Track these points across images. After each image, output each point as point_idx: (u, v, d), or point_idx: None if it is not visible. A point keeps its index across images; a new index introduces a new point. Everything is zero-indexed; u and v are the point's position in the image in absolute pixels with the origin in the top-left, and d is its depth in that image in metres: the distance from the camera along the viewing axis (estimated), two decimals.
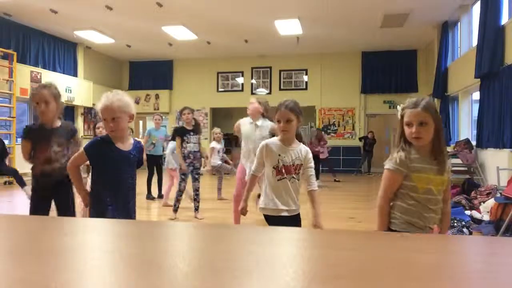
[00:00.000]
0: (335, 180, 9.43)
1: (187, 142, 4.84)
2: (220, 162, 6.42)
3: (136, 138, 2.24)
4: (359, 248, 0.87)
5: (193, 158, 4.86)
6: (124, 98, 2.04)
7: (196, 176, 4.96)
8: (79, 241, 0.94)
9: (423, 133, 1.65)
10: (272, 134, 3.95)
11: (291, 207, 2.24)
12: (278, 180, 2.21)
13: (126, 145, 2.08)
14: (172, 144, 5.76)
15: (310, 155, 2.29)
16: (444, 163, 1.71)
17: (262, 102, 3.86)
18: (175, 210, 4.95)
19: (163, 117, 6.79)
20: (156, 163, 6.58)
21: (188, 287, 0.61)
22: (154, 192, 6.59)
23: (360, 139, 11.36)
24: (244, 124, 3.93)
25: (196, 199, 5.03)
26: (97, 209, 2.05)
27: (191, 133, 4.88)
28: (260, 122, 3.82)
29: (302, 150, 2.26)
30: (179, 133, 4.90)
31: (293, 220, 2.25)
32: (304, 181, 2.29)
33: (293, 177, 2.22)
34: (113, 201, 2.04)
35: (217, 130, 6.52)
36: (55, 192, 2.54)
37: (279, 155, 2.20)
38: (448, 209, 1.81)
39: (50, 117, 2.52)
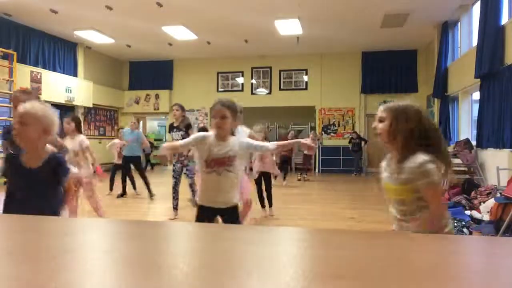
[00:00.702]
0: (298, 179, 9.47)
1: (172, 138, 4.94)
2: None
3: (56, 153, 2.01)
4: (359, 248, 0.87)
5: (179, 154, 4.90)
6: (47, 110, 1.90)
7: (187, 173, 5.01)
8: (79, 241, 0.94)
9: (379, 128, 1.71)
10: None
11: (221, 199, 2.30)
12: (207, 173, 2.28)
13: (37, 161, 1.88)
14: None
15: (248, 141, 2.42)
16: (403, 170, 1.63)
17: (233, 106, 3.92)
18: (174, 208, 4.99)
19: (138, 121, 6.87)
20: (129, 164, 6.62)
21: (188, 287, 0.61)
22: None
23: (349, 141, 11.35)
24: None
25: (193, 194, 5.10)
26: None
27: (175, 130, 4.97)
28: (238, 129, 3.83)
29: (236, 142, 2.34)
30: (169, 129, 5.14)
31: (227, 212, 2.31)
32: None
33: (226, 169, 2.27)
34: (13, 209, 1.86)
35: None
36: None
37: (211, 149, 2.28)
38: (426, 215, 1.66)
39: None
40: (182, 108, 5.05)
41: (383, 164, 1.78)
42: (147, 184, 6.50)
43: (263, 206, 5.16)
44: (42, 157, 1.90)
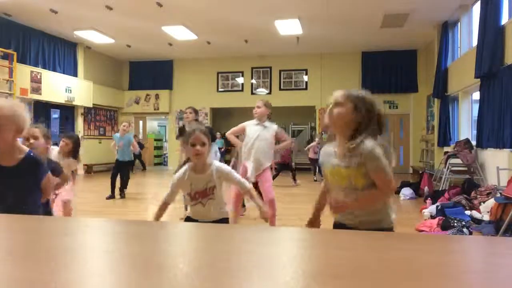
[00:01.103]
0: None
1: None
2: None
3: (32, 153, 1.96)
4: (359, 248, 0.87)
5: (189, 158, 4.87)
6: (18, 108, 1.86)
7: None
8: (79, 241, 0.94)
9: (337, 113, 1.65)
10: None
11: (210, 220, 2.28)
12: (193, 205, 2.26)
13: (12, 160, 1.85)
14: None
15: (226, 172, 2.29)
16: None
17: (268, 105, 3.88)
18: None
19: (131, 124, 6.84)
20: (120, 168, 6.65)
21: (188, 287, 0.61)
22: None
23: None
24: (250, 126, 3.92)
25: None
26: None
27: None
28: (267, 123, 3.85)
29: (213, 172, 2.26)
30: (180, 133, 4.98)
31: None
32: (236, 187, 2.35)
33: (210, 198, 2.25)
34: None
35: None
36: None
37: (192, 183, 2.24)
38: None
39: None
40: (195, 112, 4.98)
41: (325, 150, 1.77)
42: (123, 185, 6.63)
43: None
44: (18, 156, 1.87)
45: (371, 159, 1.60)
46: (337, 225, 1.76)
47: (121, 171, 6.63)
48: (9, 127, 1.81)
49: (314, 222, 1.88)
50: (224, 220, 2.33)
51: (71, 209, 3.88)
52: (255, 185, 4.10)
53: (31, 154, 1.93)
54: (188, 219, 2.36)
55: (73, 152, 3.80)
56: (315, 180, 9.49)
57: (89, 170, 11.16)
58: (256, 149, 3.74)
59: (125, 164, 6.66)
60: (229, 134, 4.04)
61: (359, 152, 1.60)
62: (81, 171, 8.22)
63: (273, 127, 3.86)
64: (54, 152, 3.69)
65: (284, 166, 9.10)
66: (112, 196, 6.52)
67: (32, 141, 2.57)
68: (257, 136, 3.78)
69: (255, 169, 3.78)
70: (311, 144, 9.97)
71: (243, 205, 5.11)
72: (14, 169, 1.86)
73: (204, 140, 2.21)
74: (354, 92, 1.70)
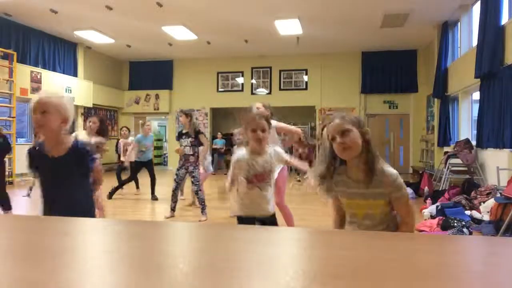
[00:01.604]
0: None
1: (180, 145, 4.96)
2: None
3: (82, 140, 2.01)
4: (359, 248, 0.87)
5: (184, 160, 4.94)
6: (64, 98, 1.91)
7: (192, 180, 5.00)
8: (79, 241, 0.94)
9: (348, 141, 1.55)
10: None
11: (261, 211, 2.30)
12: (249, 188, 2.25)
13: (60, 149, 1.89)
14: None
15: (280, 153, 2.40)
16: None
17: (268, 106, 3.90)
18: (172, 209, 5.06)
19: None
20: (145, 167, 6.67)
21: (188, 287, 0.61)
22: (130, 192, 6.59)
23: None
24: None
25: (195, 202, 5.08)
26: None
27: (184, 136, 5.00)
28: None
29: (272, 154, 2.32)
30: (177, 137, 5.14)
31: (268, 220, 2.32)
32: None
33: (266, 183, 2.28)
34: (48, 212, 1.89)
35: None
36: None
37: (250, 165, 2.26)
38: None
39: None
40: (186, 114, 5.06)
41: (338, 178, 1.65)
42: (153, 186, 6.61)
43: None
44: (65, 146, 1.89)
45: (397, 188, 1.55)
46: None
47: (149, 171, 6.64)
48: (56, 115, 1.84)
49: None
50: (274, 220, 2.33)
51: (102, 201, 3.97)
52: None
53: (78, 143, 1.95)
54: (239, 220, 2.33)
55: (101, 130, 3.91)
56: (298, 181, 9.37)
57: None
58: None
59: (145, 164, 6.66)
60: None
61: (383, 181, 1.55)
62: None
63: (272, 123, 3.83)
64: (82, 134, 3.80)
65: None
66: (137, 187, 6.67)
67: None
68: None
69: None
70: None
71: None
72: (62, 158, 1.87)
73: (264, 126, 2.25)
74: (350, 115, 1.64)
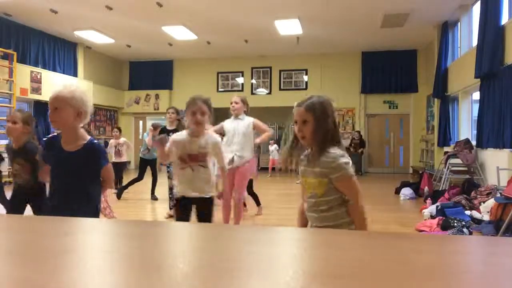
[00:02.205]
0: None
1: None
2: None
3: (96, 140, 2.02)
4: (359, 248, 0.87)
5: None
6: (76, 92, 1.91)
7: (168, 175, 5.05)
8: (79, 241, 0.94)
9: (305, 131, 1.65)
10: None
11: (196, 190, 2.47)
12: (182, 168, 2.41)
13: (74, 145, 1.90)
14: None
15: (217, 143, 2.55)
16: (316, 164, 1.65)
17: (245, 101, 3.97)
18: (171, 208, 5.09)
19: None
20: (150, 165, 6.63)
21: (188, 287, 0.61)
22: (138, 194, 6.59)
23: (350, 142, 11.25)
24: (227, 123, 4.00)
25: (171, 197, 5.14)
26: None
27: (170, 133, 4.98)
28: (241, 116, 3.92)
29: (209, 140, 2.46)
30: (160, 132, 5.14)
31: (201, 202, 2.50)
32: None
33: (199, 164, 2.41)
34: (54, 203, 1.91)
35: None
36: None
37: (185, 145, 2.40)
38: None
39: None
40: (177, 112, 5.10)
41: (303, 157, 1.77)
42: (154, 186, 6.58)
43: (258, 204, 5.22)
44: (80, 142, 1.91)
45: (335, 169, 1.60)
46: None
47: (152, 170, 6.62)
48: (68, 109, 1.86)
49: None
50: (209, 201, 2.47)
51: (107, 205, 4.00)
52: (249, 184, 4.12)
53: (93, 141, 1.96)
54: (177, 203, 2.48)
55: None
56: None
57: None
58: (234, 144, 3.79)
59: (150, 162, 6.63)
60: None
61: (324, 161, 1.61)
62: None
63: (249, 119, 3.90)
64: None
65: None
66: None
67: (9, 124, 2.67)
68: (234, 131, 3.84)
69: (236, 161, 3.78)
70: None
71: (244, 205, 5.13)
72: (75, 154, 1.89)
73: (204, 110, 2.37)
74: (314, 102, 1.66)
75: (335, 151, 1.62)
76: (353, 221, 1.66)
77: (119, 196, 6.49)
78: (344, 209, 1.66)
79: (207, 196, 2.46)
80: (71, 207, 1.87)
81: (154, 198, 6.47)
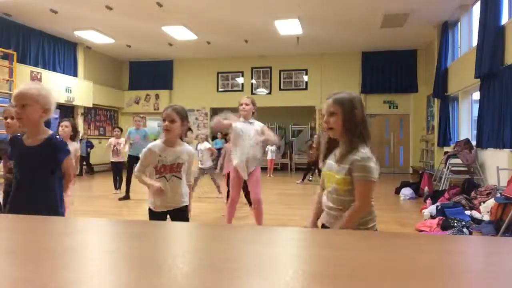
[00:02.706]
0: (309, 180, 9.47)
1: None
2: (210, 163, 6.46)
3: (58, 136, 2.11)
4: (358, 248, 0.87)
5: None
6: (42, 89, 1.95)
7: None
8: (79, 241, 0.94)
9: (332, 122, 1.70)
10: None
11: (171, 202, 2.43)
12: (157, 179, 2.38)
13: (36, 140, 1.95)
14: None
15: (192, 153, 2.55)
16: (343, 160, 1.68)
17: (254, 102, 3.89)
18: None
19: (145, 118, 6.79)
20: (134, 163, 6.56)
21: (188, 287, 0.61)
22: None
23: None
24: (237, 123, 3.87)
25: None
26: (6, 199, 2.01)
27: None
28: (252, 120, 3.86)
29: (184, 150, 2.45)
30: None
31: (175, 212, 2.47)
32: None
33: (173, 175, 2.39)
34: (16, 196, 1.95)
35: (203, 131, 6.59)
36: None
37: (160, 155, 2.38)
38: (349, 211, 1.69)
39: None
40: None
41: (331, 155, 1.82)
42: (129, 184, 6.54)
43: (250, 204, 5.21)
44: (42, 137, 1.96)
45: (359, 168, 1.63)
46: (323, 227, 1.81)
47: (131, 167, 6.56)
48: (35, 106, 1.90)
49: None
50: (183, 209, 2.46)
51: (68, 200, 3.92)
52: (244, 184, 4.11)
53: (54, 136, 2.02)
54: (150, 213, 2.45)
55: (74, 135, 3.90)
56: (310, 180, 9.44)
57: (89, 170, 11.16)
58: (245, 148, 3.72)
59: (136, 159, 6.58)
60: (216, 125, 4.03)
61: (352, 158, 1.64)
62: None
63: (259, 124, 3.85)
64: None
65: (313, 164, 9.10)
66: (127, 197, 6.52)
67: (9, 120, 2.70)
68: (247, 134, 3.77)
69: (246, 167, 3.77)
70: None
71: (249, 204, 5.15)
72: (36, 148, 1.93)
73: (174, 117, 2.36)
74: (343, 96, 1.71)
75: (365, 151, 1.65)
76: (372, 219, 1.73)
77: (127, 197, 6.51)
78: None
79: (181, 206, 2.46)
80: (32, 200, 1.93)
81: (124, 197, 6.52)
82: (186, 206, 2.49)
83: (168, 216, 2.48)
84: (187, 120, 2.47)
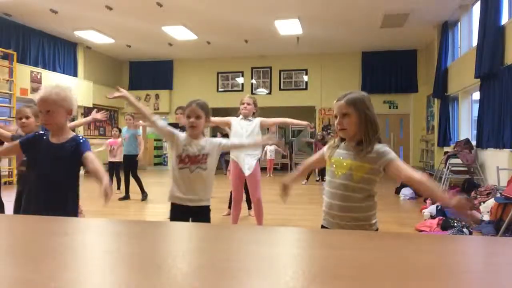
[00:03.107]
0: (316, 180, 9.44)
1: None
2: None
3: (80, 135, 2.13)
4: (359, 248, 0.87)
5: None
6: (63, 92, 1.98)
7: None
8: (79, 241, 0.94)
9: (345, 124, 1.70)
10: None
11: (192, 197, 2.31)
12: (180, 169, 2.30)
13: (61, 138, 2.00)
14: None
15: (219, 140, 2.44)
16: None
17: (256, 103, 3.90)
18: None
19: (134, 116, 6.76)
20: (128, 163, 6.54)
21: (188, 287, 0.61)
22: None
23: None
24: (236, 121, 3.88)
25: None
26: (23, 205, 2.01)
27: (179, 130, 4.99)
28: (251, 118, 3.85)
29: (208, 141, 2.37)
30: (175, 126, 5.08)
31: (199, 212, 2.33)
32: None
33: (199, 167, 2.30)
34: (37, 196, 1.97)
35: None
36: None
37: (184, 145, 2.31)
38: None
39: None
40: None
41: (336, 144, 1.80)
42: (127, 185, 6.51)
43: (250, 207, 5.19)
44: (67, 136, 2.02)
45: (383, 154, 1.64)
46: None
47: (130, 167, 6.53)
48: (59, 110, 1.96)
49: (286, 187, 2.04)
50: (205, 209, 2.35)
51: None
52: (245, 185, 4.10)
53: (78, 136, 2.07)
54: (171, 207, 2.35)
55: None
56: (317, 180, 9.46)
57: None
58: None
59: (128, 158, 6.53)
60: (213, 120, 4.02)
61: (371, 156, 1.65)
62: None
63: (257, 120, 3.84)
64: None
65: None
66: (127, 197, 6.50)
67: (24, 120, 2.75)
68: (246, 132, 3.75)
69: (248, 165, 3.77)
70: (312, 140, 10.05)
71: (249, 208, 5.15)
72: (60, 145, 1.98)
73: (199, 113, 2.31)
74: (354, 97, 1.72)
75: (380, 145, 1.68)
76: (374, 214, 1.73)
77: (127, 197, 6.51)
78: (372, 202, 1.71)
79: (204, 205, 2.34)
80: (51, 199, 1.95)
81: (124, 198, 6.49)
82: (209, 207, 2.37)
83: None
84: (210, 114, 2.43)
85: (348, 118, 1.68)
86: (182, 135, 2.37)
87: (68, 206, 2.01)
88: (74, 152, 1.99)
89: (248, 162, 3.77)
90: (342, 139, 1.79)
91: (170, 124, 5.34)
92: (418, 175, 1.57)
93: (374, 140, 1.67)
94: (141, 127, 6.89)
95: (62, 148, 1.97)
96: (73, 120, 2.09)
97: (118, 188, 7.00)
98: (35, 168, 2.01)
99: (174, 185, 2.34)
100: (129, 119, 6.72)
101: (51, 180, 1.96)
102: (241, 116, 3.85)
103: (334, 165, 1.74)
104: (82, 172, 2.25)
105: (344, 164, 1.70)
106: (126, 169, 6.58)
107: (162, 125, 2.41)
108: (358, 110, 1.68)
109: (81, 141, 2.04)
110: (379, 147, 1.66)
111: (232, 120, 3.88)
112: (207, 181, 2.34)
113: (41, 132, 2.09)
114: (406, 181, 1.64)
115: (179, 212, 2.32)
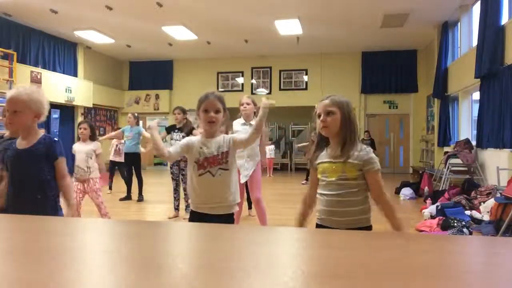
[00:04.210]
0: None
1: (171, 138, 5.04)
2: None
3: (48, 134, 2.09)
4: (358, 248, 0.87)
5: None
6: (35, 94, 1.92)
7: (182, 177, 5.03)
8: (79, 241, 0.94)
9: (329, 121, 1.72)
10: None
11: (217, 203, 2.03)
12: (200, 175, 2.01)
13: (29, 142, 1.94)
14: None
15: (231, 136, 2.13)
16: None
17: (255, 102, 3.85)
18: (175, 209, 5.11)
19: (136, 116, 6.75)
20: (130, 161, 6.53)
21: (188, 287, 0.61)
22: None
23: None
24: (237, 125, 3.82)
25: (184, 198, 5.12)
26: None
27: (176, 130, 5.04)
28: (253, 122, 3.82)
29: (225, 138, 2.08)
30: (168, 129, 5.16)
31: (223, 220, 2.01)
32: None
33: (220, 168, 2.01)
34: (15, 197, 1.95)
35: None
36: None
37: (200, 147, 2.03)
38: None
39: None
40: (183, 111, 5.08)
41: (322, 154, 1.81)
42: (141, 186, 6.49)
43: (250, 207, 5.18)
44: (35, 139, 1.96)
45: (368, 161, 1.70)
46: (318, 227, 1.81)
47: (133, 165, 6.52)
48: (26, 112, 1.89)
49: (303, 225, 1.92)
50: (231, 217, 2.05)
51: (102, 202, 3.98)
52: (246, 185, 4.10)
53: (48, 136, 2.01)
54: (192, 215, 2.07)
55: (92, 135, 3.96)
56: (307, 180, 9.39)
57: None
58: (248, 149, 3.66)
59: (130, 156, 6.51)
60: None
61: (357, 154, 1.70)
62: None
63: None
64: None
65: None
66: (128, 197, 6.49)
67: None
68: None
69: (248, 168, 3.77)
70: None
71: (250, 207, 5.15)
72: (28, 150, 1.93)
73: (219, 107, 2.02)
74: (339, 97, 1.80)
75: (364, 146, 1.75)
76: (370, 208, 1.77)
77: (128, 197, 6.52)
78: (367, 194, 1.76)
79: (229, 213, 2.04)
80: (36, 200, 1.93)
81: (124, 198, 6.50)
82: (233, 215, 2.07)
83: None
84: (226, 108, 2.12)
85: (332, 115, 1.72)
86: (194, 139, 2.10)
87: (47, 207, 1.96)
88: (47, 153, 1.95)
89: (247, 168, 3.76)
90: (322, 144, 1.81)
91: (170, 126, 5.33)
92: (385, 197, 1.72)
93: (356, 140, 1.73)
94: (141, 123, 6.92)
95: (31, 153, 1.93)
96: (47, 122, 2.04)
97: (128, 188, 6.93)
98: (9, 175, 1.97)
99: (193, 194, 2.05)
100: (129, 117, 6.73)
101: (26, 186, 1.93)
102: (243, 120, 3.84)
103: (325, 172, 1.76)
104: None
105: (334, 167, 1.73)
106: (129, 167, 6.59)
107: (175, 151, 2.10)
108: (343, 110, 1.74)
109: (54, 141, 1.99)
110: (365, 152, 1.71)
111: (234, 123, 3.86)
112: (234, 184, 2.05)
113: (9, 140, 2.05)
114: (374, 197, 1.74)
115: (199, 218, 2.04)
